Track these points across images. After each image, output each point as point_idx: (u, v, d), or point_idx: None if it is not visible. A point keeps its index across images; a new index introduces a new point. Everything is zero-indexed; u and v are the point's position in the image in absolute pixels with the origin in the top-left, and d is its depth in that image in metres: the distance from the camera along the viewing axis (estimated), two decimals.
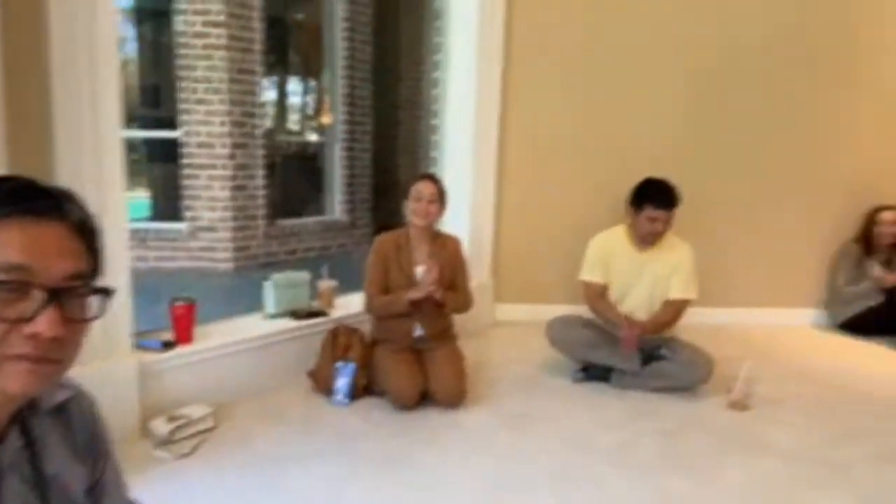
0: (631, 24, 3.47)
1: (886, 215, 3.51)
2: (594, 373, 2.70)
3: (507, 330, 3.48)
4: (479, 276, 3.41)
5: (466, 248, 2.93)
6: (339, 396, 2.36)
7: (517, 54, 3.41)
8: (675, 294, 2.61)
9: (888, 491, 1.89)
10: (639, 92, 3.52)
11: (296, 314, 2.64)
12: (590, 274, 2.71)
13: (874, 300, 3.45)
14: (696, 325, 2.97)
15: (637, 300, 2.66)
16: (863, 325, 3.50)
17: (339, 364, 2.39)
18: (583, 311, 2.81)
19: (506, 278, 3.61)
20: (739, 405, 2.45)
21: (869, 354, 3.28)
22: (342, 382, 2.36)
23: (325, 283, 2.80)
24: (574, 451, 2.08)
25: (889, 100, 3.68)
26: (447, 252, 2.50)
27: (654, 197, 2.54)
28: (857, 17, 3.59)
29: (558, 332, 2.72)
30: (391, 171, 6.73)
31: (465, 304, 2.54)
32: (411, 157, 6.53)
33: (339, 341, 2.46)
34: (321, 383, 2.43)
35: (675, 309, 2.61)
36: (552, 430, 2.24)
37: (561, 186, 3.57)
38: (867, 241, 3.56)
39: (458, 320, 2.63)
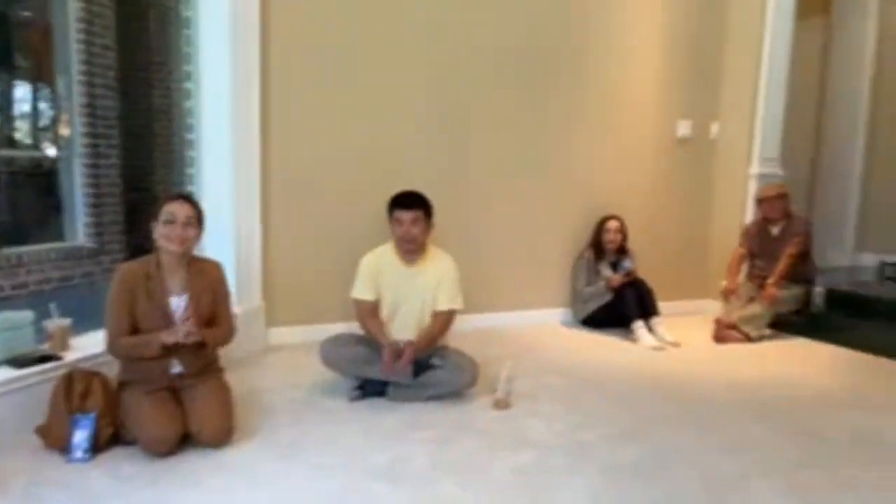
0: (383, 39, 3.59)
1: (611, 224, 4.10)
2: (371, 389, 2.70)
3: (281, 354, 3.34)
4: (248, 301, 3.24)
5: (231, 271, 2.75)
6: (78, 453, 2.02)
7: (275, 68, 3.33)
8: (442, 306, 2.73)
9: (623, 465, 2.16)
10: (396, 104, 3.66)
11: (18, 361, 2.22)
12: (360, 291, 2.72)
13: (606, 298, 3.99)
14: (465, 331, 3.16)
15: (409, 314, 2.73)
16: (598, 320, 4.04)
17: (77, 415, 2.05)
18: (358, 328, 2.81)
19: (278, 301, 3.47)
20: (502, 403, 2.64)
21: (604, 345, 3.77)
22: (80, 436, 2.03)
23: (55, 323, 2.40)
24: (348, 472, 2.04)
25: (616, 117, 4.31)
26: (206, 279, 2.30)
27: (399, 200, 2.71)
28: (604, 37, 4.15)
29: (331, 351, 2.68)
30: (146, 189, 6.10)
31: (227, 337, 2.36)
32: (170, 171, 5.99)
33: (75, 388, 2.11)
34: (54, 440, 2.06)
35: (443, 320, 2.73)
36: (326, 453, 2.18)
37: (330, 203, 3.56)
38: (598, 246, 4.11)
39: (224, 349, 2.44)
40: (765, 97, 4.36)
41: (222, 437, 2.18)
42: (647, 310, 3.87)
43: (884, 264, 5.27)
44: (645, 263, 4.15)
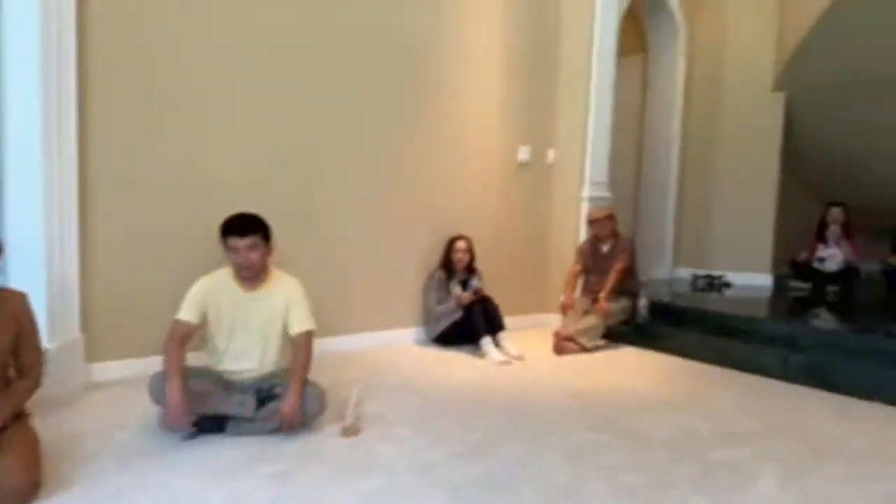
0: (212, 55, 3.41)
1: (459, 244, 4.22)
2: (208, 425, 2.51)
3: (105, 392, 3.02)
4: (63, 334, 2.89)
5: (41, 300, 2.45)
6: None
7: (95, 69, 3.03)
8: (298, 328, 2.61)
9: (468, 482, 2.20)
10: (234, 119, 3.50)
11: None
12: (182, 312, 2.52)
13: (456, 316, 4.09)
14: (316, 355, 3.05)
15: (247, 342, 2.59)
16: (450, 337, 4.13)
17: None
18: (193, 358, 2.61)
19: (101, 332, 3.14)
20: (351, 430, 2.58)
21: (454, 362, 3.85)
22: None
23: None
24: None
25: (462, 141, 4.45)
26: (5, 311, 2.02)
27: (231, 226, 2.53)
28: (445, 59, 4.26)
29: (160, 387, 2.45)
30: None
31: (35, 382, 2.10)
32: None
33: None
34: None
35: (305, 344, 2.59)
36: (156, 499, 1.99)
37: (161, 223, 3.30)
38: (449, 266, 4.21)
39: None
40: (593, 126, 4.77)
41: (25, 493, 1.90)
42: (494, 325, 4.02)
43: (695, 277, 5.95)
44: (491, 281, 4.32)
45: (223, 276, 2.60)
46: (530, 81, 4.76)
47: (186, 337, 2.51)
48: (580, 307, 4.38)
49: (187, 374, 2.47)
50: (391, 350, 4.01)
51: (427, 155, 4.28)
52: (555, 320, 4.56)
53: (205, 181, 3.40)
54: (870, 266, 5.64)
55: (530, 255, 4.90)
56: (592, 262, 4.51)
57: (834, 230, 5.44)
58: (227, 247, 2.54)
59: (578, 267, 4.55)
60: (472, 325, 4.00)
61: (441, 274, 4.20)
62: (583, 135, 4.79)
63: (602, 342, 4.33)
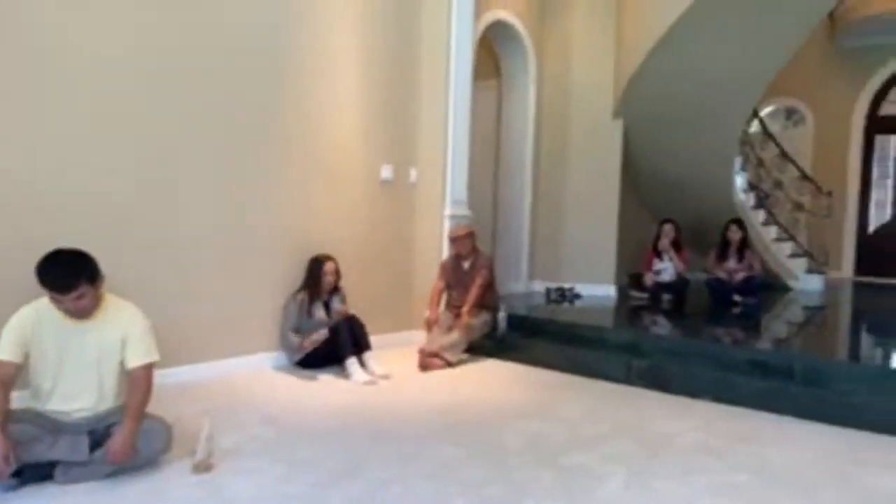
0: (31, 57, 3.12)
1: (328, 266, 4.09)
2: (33, 474, 2.23)
3: None
4: None
5: None
6: None
7: None
8: (135, 362, 2.37)
9: None
10: (68, 134, 3.19)
11: None
12: (0, 352, 2.24)
13: (322, 337, 3.97)
14: (164, 386, 2.83)
15: (78, 379, 2.33)
16: (314, 360, 4.00)
17: None
18: (21, 398, 2.31)
19: None
20: (203, 466, 2.41)
21: (318, 386, 3.75)
22: None
23: None
24: None
25: (324, 157, 4.36)
26: None
27: (48, 281, 2.19)
28: (307, 79, 4.16)
29: None
30: None
31: None
32: None
33: None
34: None
35: (143, 379, 2.36)
36: None
37: None
38: (314, 287, 4.09)
39: None
40: (452, 147, 4.92)
41: None
42: (359, 345, 3.97)
43: (548, 290, 6.30)
44: (356, 300, 4.27)
45: (47, 306, 2.31)
46: (392, 102, 4.81)
47: (5, 379, 2.22)
48: (444, 322, 4.46)
49: (8, 419, 2.18)
50: (248, 378, 3.81)
51: (286, 172, 4.15)
52: (420, 337, 4.60)
53: (30, 192, 3.04)
54: (698, 276, 6.31)
55: (395, 273, 4.92)
56: (454, 278, 4.62)
57: (665, 244, 6.04)
58: (49, 296, 2.24)
59: (441, 283, 4.64)
60: (337, 345, 3.92)
61: (304, 296, 4.07)
62: (443, 155, 4.91)
63: (466, 356, 4.43)
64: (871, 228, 8.95)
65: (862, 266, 8.88)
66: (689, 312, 5.75)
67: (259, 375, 3.89)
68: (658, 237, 6.14)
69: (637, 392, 3.79)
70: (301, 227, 4.26)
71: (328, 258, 4.16)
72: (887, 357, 4.31)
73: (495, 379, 4.05)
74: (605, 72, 6.30)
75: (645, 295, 6.11)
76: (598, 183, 6.39)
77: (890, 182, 8.90)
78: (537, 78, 6.33)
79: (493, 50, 6.28)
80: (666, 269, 6.05)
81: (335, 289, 4.19)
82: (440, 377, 4.04)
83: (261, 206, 4.03)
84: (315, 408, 3.31)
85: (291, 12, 4.13)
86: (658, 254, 6.10)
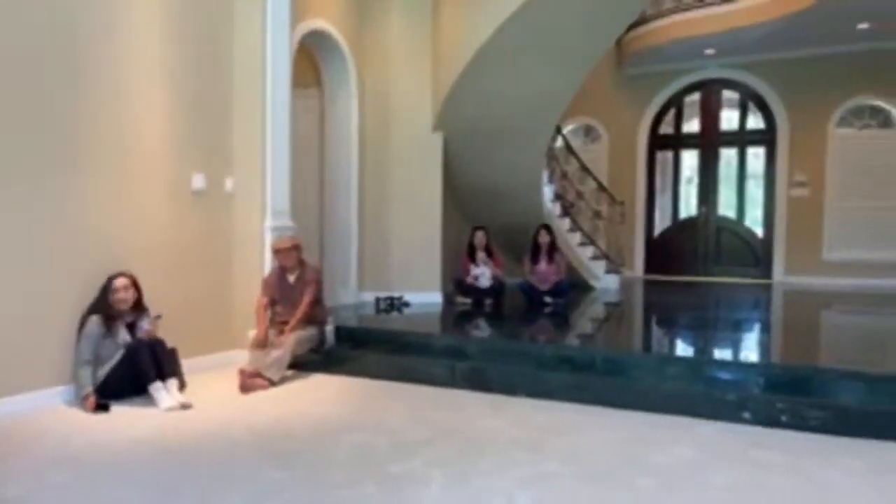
0: None
1: (119, 282, 3.71)
2: None
3: None
4: None
5: None
6: None
7: None
8: None
9: None
10: None
11: None
12: None
13: (116, 361, 3.60)
14: None
15: None
16: (115, 389, 3.59)
17: None
18: None
19: None
20: None
21: (119, 418, 3.39)
22: None
23: None
24: None
25: (124, 169, 3.97)
26: None
27: None
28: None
29: None
30: None
31: None
32: None
33: None
34: None
35: None
36: None
37: None
38: (106, 309, 3.69)
39: None
40: (271, 155, 4.73)
41: None
42: (163, 370, 3.64)
43: (378, 299, 6.34)
44: (170, 320, 3.93)
45: None
46: (203, 109, 4.52)
47: None
48: (270, 340, 4.28)
49: None
50: (36, 416, 3.34)
51: (84, 184, 3.72)
52: (244, 357, 4.35)
53: None
54: (515, 280, 6.75)
55: (213, 290, 4.61)
56: (279, 292, 4.46)
57: (479, 249, 6.42)
58: None
59: (266, 299, 4.44)
60: (137, 370, 3.57)
61: (98, 319, 3.63)
62: (261, 163, 4.72)
63: (290, 373, 4.29)
64: (657, 232, 10.22)
65: (650, 265, 10.11)
66: (506, 315, 6.12)
67: (49, 413, 3.42)
68: (471, 244, 6.49)
69: (461, 394, 3.93)
70: (102, 243, 3.84)
71: (120, 274, 3.78)
72: (670, 346, 4.95)
73: (321, 394, 3.97)
74: (424, 85, 6.48)
75: (469, 300, 6.40)
76: (422, 194, 6.57)
77: (669, 192, 10.23)
78: (358, 88, 6.34)
79: (313, 58, 6.18)
80: (483, 273, 6.41)
81: (138, 307, 3.81)
82: (262, 398, 3.86)
83: (55, 222, 3.58)
84: (118, 443, 2.99)
85: (97, 21, 3.79)
86: (474, 260, 6.45)
